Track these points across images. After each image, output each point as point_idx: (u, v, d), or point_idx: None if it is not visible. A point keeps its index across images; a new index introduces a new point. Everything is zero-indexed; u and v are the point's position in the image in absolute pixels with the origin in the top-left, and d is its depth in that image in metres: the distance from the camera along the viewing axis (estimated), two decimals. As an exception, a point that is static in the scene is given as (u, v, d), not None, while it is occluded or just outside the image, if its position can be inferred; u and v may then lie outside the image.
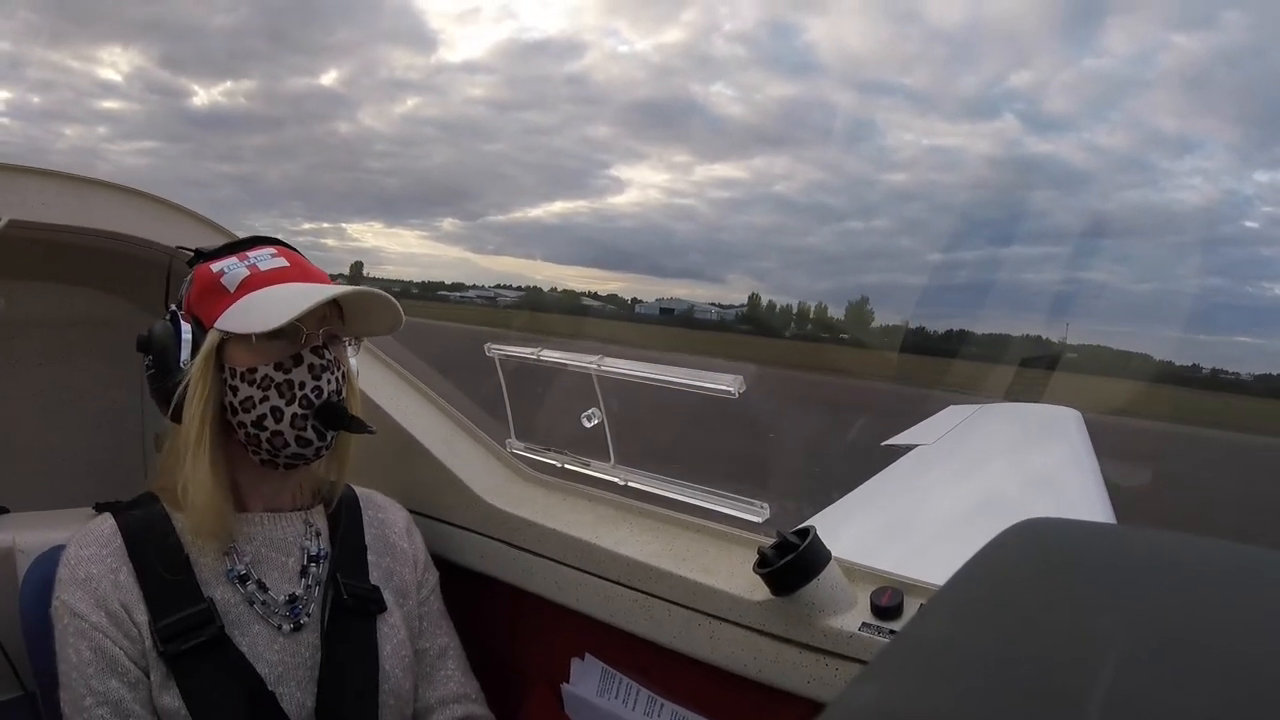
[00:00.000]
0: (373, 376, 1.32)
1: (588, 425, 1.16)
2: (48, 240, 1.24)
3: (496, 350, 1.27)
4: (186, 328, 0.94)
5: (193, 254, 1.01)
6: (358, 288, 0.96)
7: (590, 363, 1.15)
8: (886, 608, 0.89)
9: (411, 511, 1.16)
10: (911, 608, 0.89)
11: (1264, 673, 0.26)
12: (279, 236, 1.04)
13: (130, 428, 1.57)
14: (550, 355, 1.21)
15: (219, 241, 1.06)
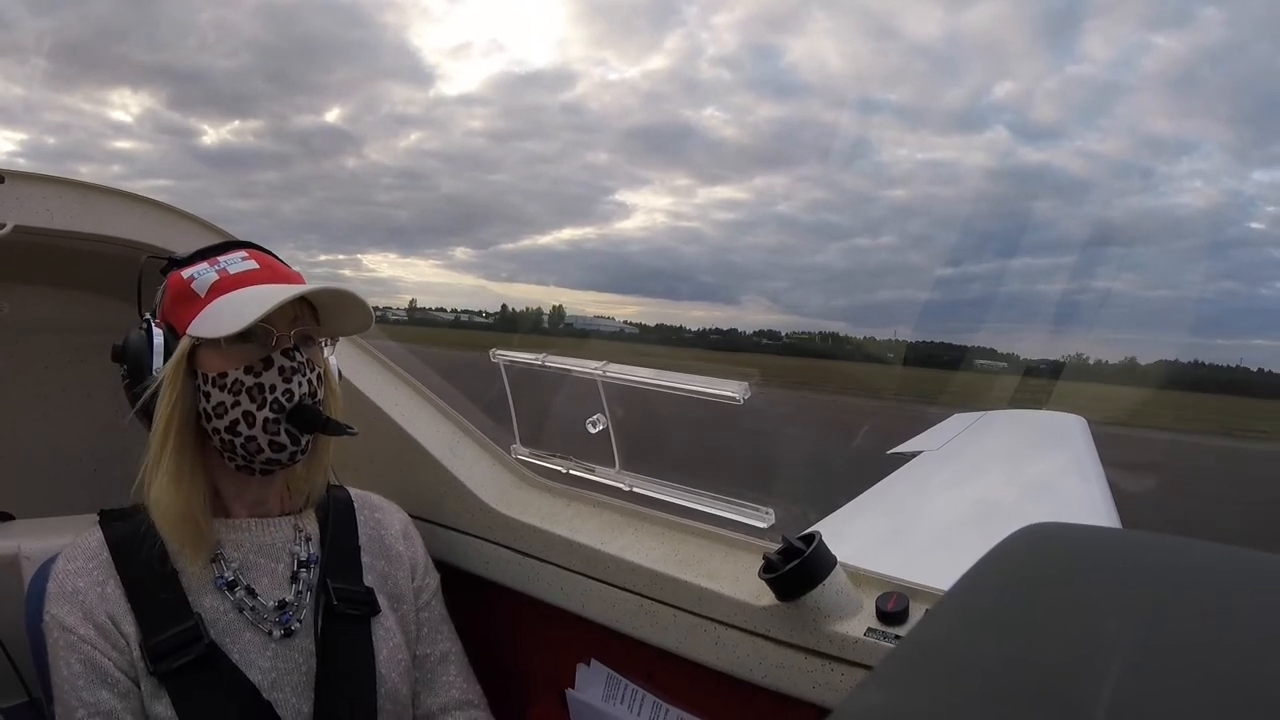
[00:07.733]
0: (377, 382, 1.32)
1: (592, 431, 1.16)
2: (53, 246, 1.24)
3: (501, 356, 1.27)
4: (159, 334, 0.94)
5: (165, 261, 1.01)
6: (324, 285, 0.95)
7: (595, 369, 1.15)
8: (892, 613, 0.89)
9: (416, 517, 1.15)
10: (917, 613, 0.89)
11: (1269, 677, 0.26)
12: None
13: (136, 434, 1.57)
14: (555, 361, 1.21)
15: None
